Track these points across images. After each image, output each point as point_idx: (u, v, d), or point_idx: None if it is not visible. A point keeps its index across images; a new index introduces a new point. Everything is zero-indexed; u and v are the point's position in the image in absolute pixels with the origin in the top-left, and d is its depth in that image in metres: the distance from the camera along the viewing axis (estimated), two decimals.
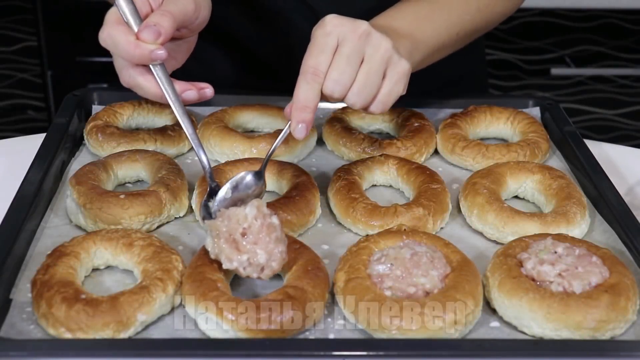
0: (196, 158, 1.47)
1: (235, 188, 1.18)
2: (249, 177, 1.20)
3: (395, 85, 1.20)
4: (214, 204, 1.17)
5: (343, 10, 1.22)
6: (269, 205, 1.25)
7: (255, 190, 1.20)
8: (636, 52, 2.79)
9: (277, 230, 1.08)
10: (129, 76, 1.18)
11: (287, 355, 0.99)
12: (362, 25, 1.17)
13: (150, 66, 1.16)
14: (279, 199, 1.28)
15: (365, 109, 1.21)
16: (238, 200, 1.17)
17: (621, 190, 1.34)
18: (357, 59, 1.16)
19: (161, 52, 1.14)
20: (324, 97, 1.18)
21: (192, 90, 1.18)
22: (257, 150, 1.43)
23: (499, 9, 1.49)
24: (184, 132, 1.20)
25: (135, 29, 1.15)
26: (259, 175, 1.20)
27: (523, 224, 1.24)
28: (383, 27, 1.26)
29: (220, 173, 1.33)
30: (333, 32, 1.16)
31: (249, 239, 1.07)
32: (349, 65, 1.16)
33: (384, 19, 1.34)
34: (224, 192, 1.17)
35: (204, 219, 1.17)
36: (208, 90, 1.20)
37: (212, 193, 1.18)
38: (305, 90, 1.15)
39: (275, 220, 1.08)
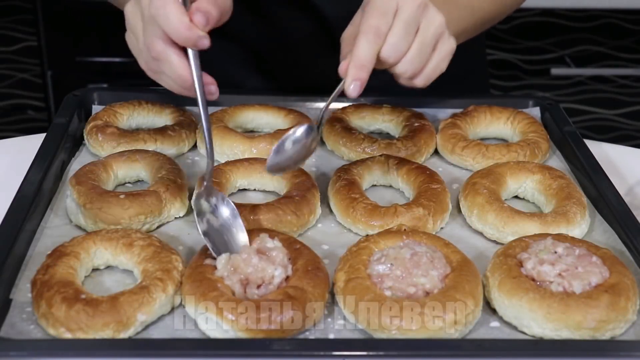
0: (196, 158, 1.47)
1: (290, 142, 1.18)
2: (302, 129, 1.18)
3: (441, 61, 1.21)
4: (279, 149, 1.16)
5: (344, 6, 1.21)
6: (268, 205, 1.25)
7: (311, 143, 1.19)
8: (636, 52, 2.79)
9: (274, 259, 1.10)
10: (162, 48, 1.12)
11: (287, 355, 0.99)
12: None
13: (190, 52, 1.12)
14: (279, 199, 1.28)
15: (411, 79, 1.21)
16: (294, 153, 1.18)
17: (621, 190, 1.34)
18: (414, 27, 1.16)
19: (207, 41, 1.11)
20: (377, 61, 1.16)
21: (213, 86, 1.16)
22: (257, 150, 1.43)
23: (510, 1, 1.53)
24: (201, 126, 1.17)
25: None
26: (311, 128, 1.19)
27: (523, 224, 1.24)
28: None
29: (221, 173, 1.33)
30: None
31: (256, 290, 1.08)
32: (407, 32, 1.15)
33: None
34: (281, 145, 1.17)
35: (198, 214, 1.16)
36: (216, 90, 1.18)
37: (208, 192, 1.18)
38: (365, 49, 1.14)
39: (274, 252, 1.11)
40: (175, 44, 1.12)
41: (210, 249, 1.12)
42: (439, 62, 1.21)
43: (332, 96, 1.20)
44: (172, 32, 1.10)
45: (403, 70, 1.18)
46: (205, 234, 1.14)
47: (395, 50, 1.16)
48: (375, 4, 1.15)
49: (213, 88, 1.16)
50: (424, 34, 1.17)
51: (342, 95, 1.16)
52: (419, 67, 1.19)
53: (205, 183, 1.17)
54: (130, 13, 1.17)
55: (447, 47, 1.21)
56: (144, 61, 1.18)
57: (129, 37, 1.20)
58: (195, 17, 1.10)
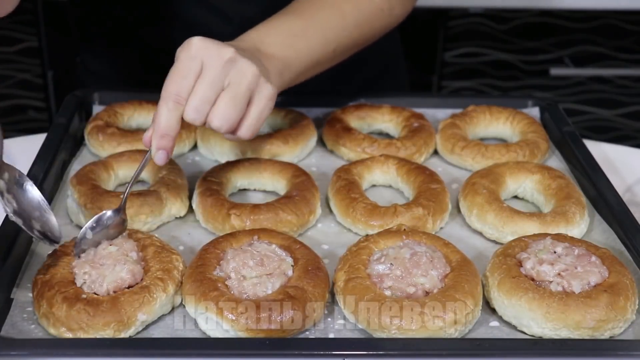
0: (196, 158, 1.48)
1: (95, 227, 1.14)
2: (109, 214, 1.15)
3: (263, 110, 1.20)
4: (79, 244, 1.12)
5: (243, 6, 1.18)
6: (268, 205, 1.26)
7: (115, 227, 1.16)
8: (635, 52, 2.79)
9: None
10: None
11: (287, 355, 0.99)
12: (228, 50, 1.15)
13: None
14: (279, 199, 1.28)
15: (233, 133, 1.20)
16: (102, 237, 1.14)
17: (620, 190, 1.34)
18: (220, 84, 1.15)
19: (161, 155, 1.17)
20: (184, 123, 1.17)
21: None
22: (258, 150, 1.43)
23: (379, 24, 1.46)
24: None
25: None
26: (118, 211, 1.16)
27: (522, 224, 1.24)
28: (255, 44, 1.25)
29: (221, 173, 1.34)
30: (197, 55, 1.14)
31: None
32: (211, 91, 1.15)
33: (257, 34, 1.29)
34: (84, 233, 1.13)
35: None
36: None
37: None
38: (166, 118, 1.14)
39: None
40: None
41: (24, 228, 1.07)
42: (260, 111, 1.19)
43: (137, 170, 1.19)
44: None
45: (218, 125, 1.16)
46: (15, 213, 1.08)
47: (197, 111, 1.15)
48: (178, 65, 1.15)
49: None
50: (235, 89, 1.16)
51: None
52: (235, 120, 1.17)
53: None
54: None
55: (266, 94, 1.19)
56: None
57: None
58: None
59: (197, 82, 1.14)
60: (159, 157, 1.16)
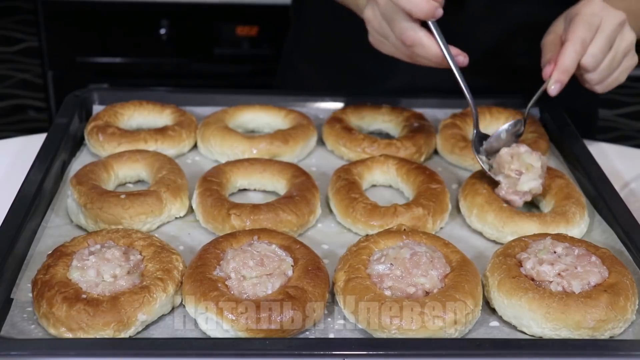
0: (197, 158, 1.48)
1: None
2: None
3: (622, 74, 1.38)
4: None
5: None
6: (268, 205, 1.26)
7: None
8: (635, 52, 2.79)
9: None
10: (413, 34, 1.27)
11: (287, 355, 0.99)
12: (621, 15, 1.33)
13: (432, 27, 1.28)
14: (279, 199, 1.28)
15: (593, 85, 1.37)
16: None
17: (620, 190, 1.34)
18: (612, 42, 1.33)
19: (441, 10, 1.27)
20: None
21: (461, 56, 1.31)
22: (257, 150, 1.43)
23: None
24: (463, 90, 1.32)
25: None
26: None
27: (522, 224, 1.24)
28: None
29: (221, 173, 1.34)
30: (599, 14, 1.32)
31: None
32: (606, 45, 1.32)
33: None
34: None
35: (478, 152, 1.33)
36: (466, 58, 1.32)
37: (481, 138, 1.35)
38: (571, 57, 1.30)
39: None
40: (419, 25, 1.28)
41: None
42: (620, 74, 1.37)
43: (536, 95, 1.35)
44: (415, 9, 1.25)
45: (593, 77, 1.35)
46: None
47: (594, 61, 1.32)
48: (583, 17, 1.31)
49: (461, 58, 1.30)
50: (617, 49, 1.34)
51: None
52: (605, 77, 1.36)
53: None
54: (371, 16, 1.32)
55: (631, 63, 1.38)
56: (400, 53, 1.33)
57: (374, 39, 1.35)
58: None
59: (597, 35, 1.31)
60: (555, 88, 1.31)
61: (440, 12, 1.27)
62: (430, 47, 1.28)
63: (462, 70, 1.31)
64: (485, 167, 1.32)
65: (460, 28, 1.41)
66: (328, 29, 1.72)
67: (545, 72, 1.33)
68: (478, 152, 1.34)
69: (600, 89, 1.39)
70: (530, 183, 1.28)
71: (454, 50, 1.30)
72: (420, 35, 1.28)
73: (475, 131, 1.35)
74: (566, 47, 1.31)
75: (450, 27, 1.31)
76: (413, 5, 1.25)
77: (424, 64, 1.33)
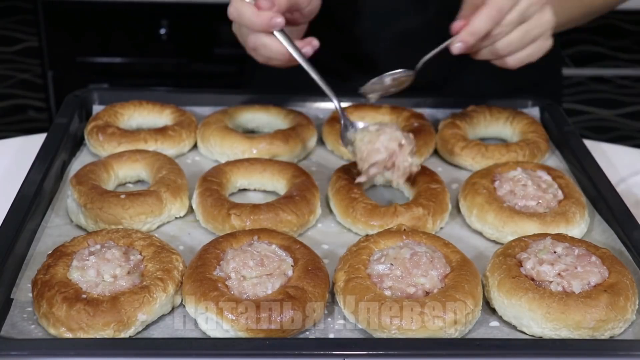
0: (197, 158, 1.48)
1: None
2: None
3: (536, 52, 1.35)
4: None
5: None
6: (268, 205, 1.26)
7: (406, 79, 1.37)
8: (635, 52, 2.79)
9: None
10: (254, 39, 1.32)
11: (287, 355, 0.99)
12: None
13: (275, 33, 1.31)
14: (279, 199, 1.28)
15: (503, 58, 1.36)
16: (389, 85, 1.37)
17: (620, 190, 1.34)
18: (526, 17, 1.31)
19: (279, 20, 1.29)
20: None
21: (307, 46, 1.32)
22: (257, 150, 1.43)
23: None
24: (315, 79, 1.32)
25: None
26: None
27: (522, 224, 1.24)
28: None
29: (221, 173, 1.34)
30: None
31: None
32: (519, 19, 1.30)
33: None
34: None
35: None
36: (314, 41, 1.33)
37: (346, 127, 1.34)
38: (484, 21, 1.28)
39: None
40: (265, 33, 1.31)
41: None
42: (533, 51, 1.35)
43: (438, 48, 1.33)
44: (248, 23, 1.31)
45: (501, 47, 1.33)
46: None
47: (504, 32, 1.31)
48: None
49: (307, 48, 1.32)
50: (532, 24, 1.31)
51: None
52: (514, 50, 1.33)
53: None
54: (234, 30, 1.43)
55: (545, 44, 1.36)
56: (255, 57, 1.38)
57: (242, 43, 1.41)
58: (261, 3, 1.29)
59: (515, 6, 1.29)
60: (458, 47, 1.30)
61: (277, 21, 1.29)
62: (272, 45, 1.31)
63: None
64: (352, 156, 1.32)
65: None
66: None
67: (454, 26, 1.31)
68: (345, 142, 1.34)
69: (511, 62, 1.36)
70: (377, 156, 1.28)
71: (300, 43, 1.32)
72: (263, 39, 1.31)
73: (342, 122, 1.35)
74: (482, 10, 1.28)
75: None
76: (246, 22, 1.31)
77: (277, 64, 1.36)
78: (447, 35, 1.32)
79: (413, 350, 1.00)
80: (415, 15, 1.63)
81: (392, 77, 1.35)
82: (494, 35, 1.31)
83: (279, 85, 1.74)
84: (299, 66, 1.32)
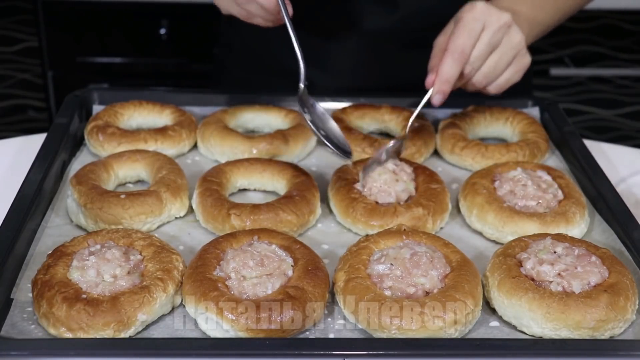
0: (196, 158, 1.48)
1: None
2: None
3: (515, 74, 1.37)
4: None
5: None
6: (268, 205, 1.26)
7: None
8: (635, 52, 2.79)
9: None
10: None
11: (287, 355, 0.99)
12: (505, 16, 1.32)
13: None
14: (279, 199, 1.28)
15: (484, 88, 1.38)
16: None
17: (619, 190, 1.34)
18: (495, 46, 1.32)
19: None
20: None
21: (290, 7, 1.30)
22: (257, 150, 1.43)
23: None
24: (292, 39, 1.29)
25: None
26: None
27: (522, 224, 1.24)
28: (507, 10, 1.36)
29: (221, 173, 1.34)
30: (480, 18, 1.30)
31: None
32: (488, 51, 1.32)
33: (508, 2, 1.44)
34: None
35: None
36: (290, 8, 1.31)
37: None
38: (450, 66, 1.30)
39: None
40: None
41: None
42: (512, 74, 1.37)
43: (419, 106, 1.35)
44: None
45: (478, 81, 1.35)
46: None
47: (476, 67, 1.32)
48: (464, 24, 1.30)
49: (290, 8, 1.29)
50: (503, 50, 1.33)
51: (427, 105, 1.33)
52: (493, 79, 1.35)
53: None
54: None
55: (524, 62, 1.37)
56: (236, 12, 1.34)
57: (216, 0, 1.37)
58: None
59: (479, 41, 1.30)
60: (437, 99, 1.32)
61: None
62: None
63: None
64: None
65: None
66: (253, 31, 1.68)
67: (428, 81, 1.33)
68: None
69: (492, 90, 1.38)
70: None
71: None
72: None
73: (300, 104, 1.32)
74: (446, 57, 1.30)
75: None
76: None
77: (259, 22, 1.34)
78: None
79: (413, 350, 1.00)
80: (386, 15, 1.62)
81: (386, 151, 1.34)
82: (466, 74, 1.32)
83: (244, 87, 1.74)
84: (281, 28, 1.30)
